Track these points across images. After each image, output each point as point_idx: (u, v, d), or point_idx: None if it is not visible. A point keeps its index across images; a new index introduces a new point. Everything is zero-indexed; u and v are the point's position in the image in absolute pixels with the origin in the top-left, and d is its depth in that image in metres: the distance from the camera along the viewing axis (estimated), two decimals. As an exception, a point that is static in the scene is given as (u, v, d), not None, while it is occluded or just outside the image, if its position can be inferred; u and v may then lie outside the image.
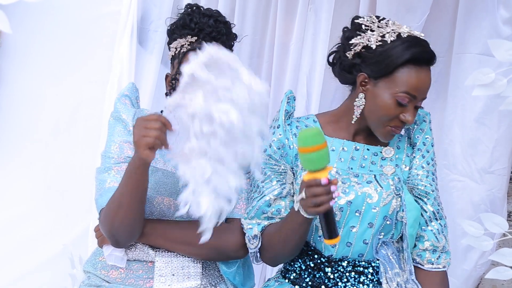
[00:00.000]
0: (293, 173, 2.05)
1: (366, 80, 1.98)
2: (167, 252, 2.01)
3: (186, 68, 1.63)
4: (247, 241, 2.02)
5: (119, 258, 2.03)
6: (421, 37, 1.97)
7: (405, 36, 1.94)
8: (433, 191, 2.04)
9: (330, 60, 2.12)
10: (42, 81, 2.67)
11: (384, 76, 1.94)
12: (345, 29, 2.07)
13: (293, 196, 2.04)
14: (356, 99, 2.00)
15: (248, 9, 2.68)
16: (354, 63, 2.00)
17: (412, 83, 1.92)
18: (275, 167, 2.04)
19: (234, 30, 2.15)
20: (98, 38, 2.67)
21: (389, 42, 1.93)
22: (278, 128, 2.08)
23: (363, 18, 2.02)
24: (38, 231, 2.72)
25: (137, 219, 1.91)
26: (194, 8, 2.07)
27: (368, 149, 2.06)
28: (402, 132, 2.11)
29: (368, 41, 1.96)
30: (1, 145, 2.69)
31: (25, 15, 2.60)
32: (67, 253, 2.51)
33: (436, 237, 1.99)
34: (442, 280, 2.02)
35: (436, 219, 2.01)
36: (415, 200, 2.01)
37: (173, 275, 1.99)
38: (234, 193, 1.69)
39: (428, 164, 2.05)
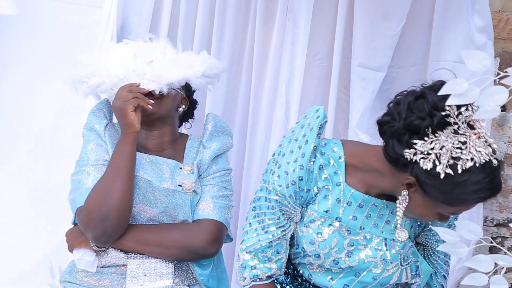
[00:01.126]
0: (301, 213, 1.86)
1: (414, 187, 1.64)
2: (139, 254, 2.03)
3: None
4: (240, 272, 1.91)
5: (89, 262, 2.04)
6: (496, 171, 1.59)
7: (480, 167, 1.55)
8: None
9: (381, 120, 1.69)
10: (24, 90, 2.72)
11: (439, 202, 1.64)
12: (420, 94, 1.61)
13: (294, 233, 1.89)
14: (399, 197, 1.69)
15: (227, 18, 2.70)
16: (408, 161, 1.60)
17: (461, 210, 1.70)
18: (284, 202, 1.81)
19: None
20: (80, 47, 2.66)
21: (459, 172, 1.55)
22: (302, 157, 1.77)
23: (451, 108, 1.54)
24: (19, 240, 2.75)
25: (131, 194, 1.96)
26: None
27: (387, 206, 1.81)
28: None
29: (434, 163, 1.56)
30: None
31: (7, 25, 2.66)
32: (47, 263, 2.51)
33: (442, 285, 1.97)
34: None
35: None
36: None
37: (145, 275, 2.01)
38: None
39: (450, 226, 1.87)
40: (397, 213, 1.69)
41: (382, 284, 1.86)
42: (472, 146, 1.54)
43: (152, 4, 2.63)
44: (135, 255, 2.03)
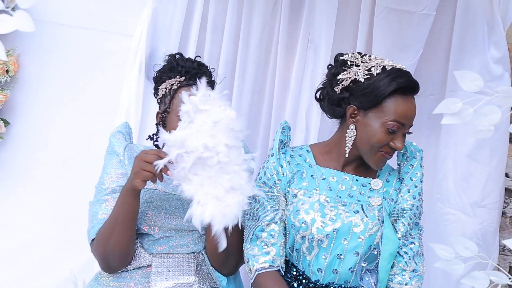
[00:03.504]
0: (285, 199, 2.14)
1: (356, 112, 2.09)
2: (163, 254, 2.16)
3: (183, 107, 1.89)
4: (247, 267, 2.10)
5: None
6: (404, 69, 2.08)
7: (389, 68, 2.06)
8: (416, 224, 2.12)
9: (318, 96, 2.23)
10: (53, 112, 2.79)
11: (373, 107, 2.06)
12: (329, 66, 2.20)
13: (284, 221, 2.13)
14: (348, 130, 2.11)
15: (250, 47, 2.81)
16: (342, 97, 2.11)
17: (400, 111, 2.03)
18: (268, 193, 2.14)
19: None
20: (108, 72, 2.80)
21: (375, 74, 2.05)
22: (272, 156, 2.18)
23: (347, 54, 2.15)
24: (46, 257, 2.81)
25: (128, 245, 2.07)
26: (178, 55, 2.32)
27: (357, 180, 2.15)
28: (395, 166, 2.21)
29: (356, 75, 2.08)
30: (12, 172, 2.79)
31: (39, 49, 2.75)
32: (73, 277, 2.60)
33: (405, 261, 2.07)
34: None
35: (406, 244, 2.09)
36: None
37: (169, 271, 2.13)
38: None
39: (414, 198, 2.12)
40: (347, 144, 2.10)
41: (369, 246, 2.04)
42: (379, 61, 2.08)
43: (179, 33, 2.75)
44: (160, 255, 2.16)
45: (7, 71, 2.65)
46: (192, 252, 2.20)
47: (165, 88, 2.23)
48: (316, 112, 2.77)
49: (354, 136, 2.10)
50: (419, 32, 2.68)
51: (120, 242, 2.04)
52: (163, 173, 1.91)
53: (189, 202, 1.97)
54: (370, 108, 2.07)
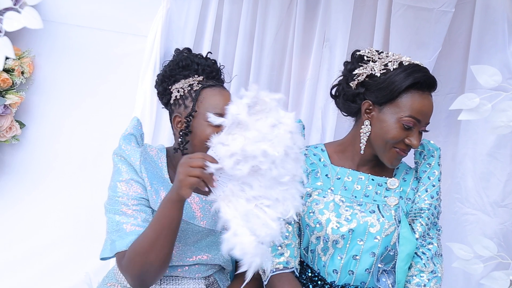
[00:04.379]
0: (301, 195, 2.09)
1: (371, 108, 2.06)
2: (172, 278, 2.07)
3: (232, 108, 1.72)
4: (261, 268, 2.07)
5: None
6: (421, 65, 2.05)
7: (406, 64, 2.03)
8: (434, 224, 2.08)
9: (333, 92, 2.20)
10: (69, 114, 2.79)
11: (388, 102, 2.03)
12: (346, 62, 2.17)
13: (299, 222, 2.09)
14: (362, 126, 2.08)
15: (265, 47, 2.78)
16: (358, 92, 2.09)
17: (416, 107, 1.99)
18: None
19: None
20: (123, 74, 2.79)
21: (391, 69, 2.03)
22: None
23: (364, 50, 2.12)
24: (62, 259, 2.80)
25: (169, 258, 1.91)
26: (186, 51, 2.18)
27: (372, 179, 2.12)
28: (412, 165, 2.17)
29: (372, 70, 2.05)
30: (28, 174, 2.79)
31: (54, 51, 2.74)
32: (88, 280, 2.59)
33: (424, 262, 2.02)
34: None
35: (424, 245, 2.04)
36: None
37: None
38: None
39: (432, 198, 2.07)
40: (361, 140, 2.08)
41: (385, 246, 2.00)
42: (396, 57, 2.06)
43: (194, 34, 2.73)
44: (168, 280, 2.06)
45: (22, 72, 2.65)
46: (203, 277, 2.11)
47: (182, 89, 2.09)
48: (332, 112, 2.74)
49: (369, 132, 2.07)
50: (437, 30, 2.64)
51: (161, 255, 1.86)
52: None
53: (209, 239, 1.95)
54: (385, 103, 2.03)
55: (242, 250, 1.68)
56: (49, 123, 2.79)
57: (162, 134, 2.71)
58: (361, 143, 2.08)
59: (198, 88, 2.07)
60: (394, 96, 2.01)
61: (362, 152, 2.09)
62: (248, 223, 1.71)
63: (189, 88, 2.08)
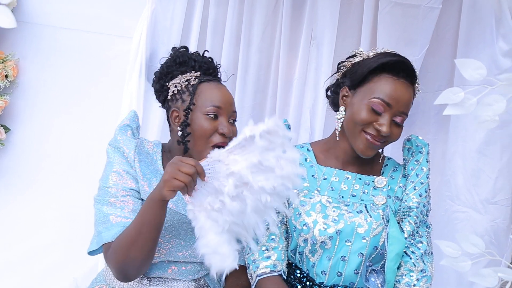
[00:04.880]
0: (286, 201, 2.08)
1: (347, 94, 2.06)
2: (162, 280, 2.04)
3: (247, 130, 1.72)
4: (248, 273, 2.06)
5: None
6: (398, 53, 2.05)
7: (382, 51, 2.05)
8: (423, 222, 2.05)
9: (329, 93, 2.19)
10: (55, 117, 2.76)
11: (361, 85, 2.02)
12: (339, 62, 2.17)
13: (286, 224, 2.07)
14: (337, 113, 2.08)
15: (252, 46, 2.76)
16: (341, 81, 2.10)
17: (386, 90, 1.97)
18: None
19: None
20: (110, 76, 2.76)
21: (370, 56, 2.04)
22: None
23: (359, 50, 2.14)
24: (49, 264, 2.77)
25: (151, 254, 1.91)
26: (183, 49, 2.18)
27: (360, 178, 2.09)
28: (401, 162, 2.15)
29: (355, 59, 2.08)
30: (13, 179, 2.76)
31: (39, 53, 2.71)
32: (75, 285, 2.56)
33: (413, 262, 2.00)
34: None
35: (413, 244, 2.02)
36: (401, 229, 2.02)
37: None
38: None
39: (421, 196, 2.05)
40: (336, 126, 2.08)
41: (374, 247, 1.97)
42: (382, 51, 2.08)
43: (180, 34, 2.70)
44: (158, 282, 2.04)
45: (6, 76, 2.62)
46: (193, 279, 2.09)
47: (180, 84, 2.08)
48: (320, 111, 2.71)
49: (343, 118, 2.06)
50: (424, 26, 2.62)
51: (143, 251, 1.86)
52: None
53: None
54: (358, 87, 2.03)
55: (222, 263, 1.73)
56: (35, 127, 2.76)
57: (150, 135, 2.68)
58: (336, 129, 2.08)
59: (195, 82, 2.07)
60: (365, 78, 2.01)
61: (337, 138, 2.08)
62: (222, 236, 1.74)
63: (187, 82, 2.08)
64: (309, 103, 2.73)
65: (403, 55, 2.08)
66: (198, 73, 2.12)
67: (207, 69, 2.15)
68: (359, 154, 2.03)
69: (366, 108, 1.97)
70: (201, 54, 2.19)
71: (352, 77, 2.05)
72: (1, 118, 2.67)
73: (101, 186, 2.03)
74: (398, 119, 1.99)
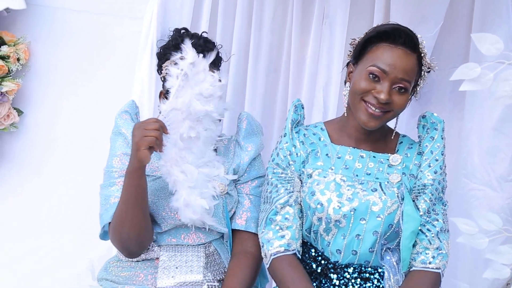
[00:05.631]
0: (300, 180, 2.07)
1: (352, 70, 2.07)
2: (172, 246, 2.10)
3: (173, 70, 1.93)
4: (262, 252, 2.06)
5: None
6: (400, 24, 2.04)
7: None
8: (439, 200, 2.04)
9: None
10: (67, 99, 2.76)
11: (361, 57, 2.03)
12: None
13: (300, 204, 2.06)
14: (344, 89, 2.09)
15: (264, 26, 2.73)
16: (349, 61, 2.12)
17: (382, 57, 1.97)
18: (282, 175, 2.07)
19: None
20: (120, 57, 2.75)
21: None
22: (285, 136, 2.12)
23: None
24: (66, 246, 2.78)
25: (143, 227, 1.99)
26: (183, 31, 2.24)
27: (374, 157, 2.08)
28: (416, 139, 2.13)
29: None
30: (29, 162, 2.76)
31: (50, 36, 2.71)
32: (90, 266, 2.57)
33: (429, 239, 1.98)
34: (431, 280, 1.96)
35: (429, 221, 2.00)
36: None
37: (176, 268, 2.08)
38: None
39: (435, 173, 2.03)
40: (344, 99, 2.09)
41: (388, 225, 1.97)
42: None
43: (191, 15, 2.68)
44: (168, 248, 2.10)
45: (18, 59, 2.62)
46: (203, 244, 2.14)
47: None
48: (333, 91, 2.69)
49: (349, 93, 2.07)
50: (438, 3, 2.57)
51: (135, 225, 1.97)
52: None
53: None
54: (359, 60, 2.04)
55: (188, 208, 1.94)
56: (47, 109, 2.76)
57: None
58: (344, 106, 2.09)
59: None
60: (365, 49, 2.02)
61: (345, 115, 2.10)
62: (196, 185, 1.94)
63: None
64: (322, 82, 2.71)
65: (417, 33, 2.05)
66: None
67: (201, 51, 2.12)
68: (363, 126, 2.02)
69: (364, 77, 1.98)
70: (200, 35, 2.23)
71: (354, 51, 2.07)
72: (14, 101, 2.67)
73: (105, 171, 2.14)
74: (398, 86, 1.97)
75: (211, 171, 2.05)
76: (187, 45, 1.93)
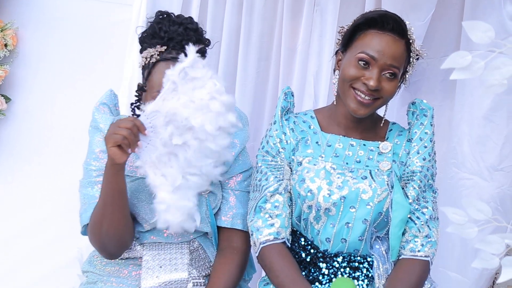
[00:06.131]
0: (290, 168, 2.06)
1: (340, 58, 2.06)
2: (155, 245, 2.05)
3: (169, 72, 1.77)
4: (251, 240, 2.05)
5: None
6: (387, 11, 2.05)
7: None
8: (429, 187, 2.03)
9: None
10: (56, 86, 2.74)
11: (350, 45, 2.02)
12: None
13: (290, 192, 2.05)
14: (333, 77, 2.08)
15: (255, 13, 2.71)
16: (337, 49, 2.12)
17: (370, 44, 1.97)
18: (271, 163, 2.06)
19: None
20: (110, 45, 2.73)
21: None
22: (274, 124, 2.11)
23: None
24: (54, 235, 2.77)
25: (122, 226, 1.92)
26: (164, 15, 2.06)
27: (364, 145, 2.07)
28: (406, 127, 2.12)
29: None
30: (18, 150, 2.75)
31: (39, 22, 2.69)
32: (79, 255, 2.56)
33: (418, 227, 1.98)
34: (420, 268, 1.96)
35: (418, 209, 2.00)
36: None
37: (160, 267, 2.03)
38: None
39: (424, 160, 2.03)
40: (333, 88, 2.08)
41: (378, 213, 1.96)
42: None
43: (181, 2, 2.65)
44: (151, 246, 2.05)
45: (5, 45, 2.59)
46: (186, 241, 2.09)
47: (145, 58, 2.01)
48: (324, 78, 2.68)
49: (338, 82, 2.06)
50: (429, -10, 2.56)
51: (113, 225, 1.90)
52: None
53: None
54: (348, 47, 2.03)
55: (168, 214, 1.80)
56: (36, 96, 2.75)
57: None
58: (334, 94, 2.08)
59: (154, 60, 1.99)
60: (353, 36, 2.02)
61: (335, 103, 2.09)
62: (177, 190, 1.80)
63: (150, 58, 2.00)
64: (313, 70, 2.70)
65: (409, 21, 2.04)
66: (163, 48, 1.99)
67: (179, 41, 1.99)
68: (352, 114, 2.01)
69: (353, 64, 1.97)
70: (180, 22, 2.03)
71: (343, 39, 2.06)
72: (1, 88, 2.64)
73: (84, 168, 2.07)
74: (387, 72, 1.97)
75: (202, 183, 1.87)
76: (191, 48, 1.79)
